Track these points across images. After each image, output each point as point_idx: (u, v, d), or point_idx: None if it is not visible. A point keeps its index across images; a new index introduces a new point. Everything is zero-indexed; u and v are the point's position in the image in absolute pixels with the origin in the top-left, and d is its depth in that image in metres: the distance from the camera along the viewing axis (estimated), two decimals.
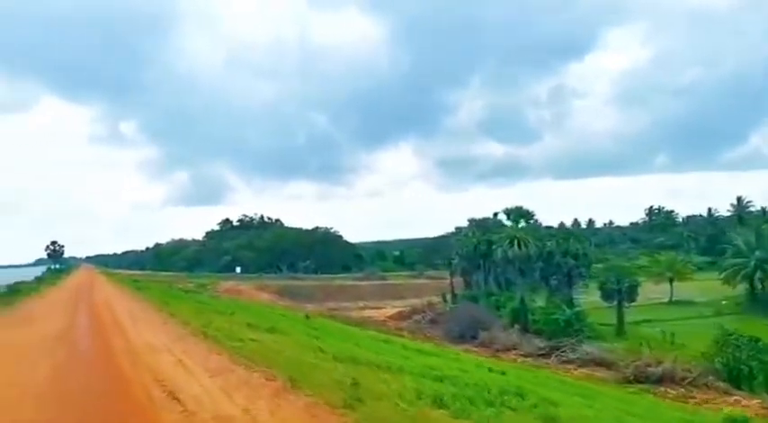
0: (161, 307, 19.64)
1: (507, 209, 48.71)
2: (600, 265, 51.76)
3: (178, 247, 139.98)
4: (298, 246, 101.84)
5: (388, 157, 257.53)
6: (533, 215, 48.94)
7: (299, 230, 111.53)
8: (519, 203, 48.73)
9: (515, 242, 45.62)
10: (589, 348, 31.17)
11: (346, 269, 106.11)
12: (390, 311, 59.85)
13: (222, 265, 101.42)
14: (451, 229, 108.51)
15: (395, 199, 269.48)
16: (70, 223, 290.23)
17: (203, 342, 10.05)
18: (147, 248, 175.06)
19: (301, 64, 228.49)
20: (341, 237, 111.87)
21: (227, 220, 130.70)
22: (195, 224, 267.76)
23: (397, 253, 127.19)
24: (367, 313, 58.46)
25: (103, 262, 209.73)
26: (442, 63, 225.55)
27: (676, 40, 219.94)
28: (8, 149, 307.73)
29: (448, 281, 79.19)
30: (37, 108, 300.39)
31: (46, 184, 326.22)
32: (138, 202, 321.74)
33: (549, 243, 46.25)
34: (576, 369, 28.93)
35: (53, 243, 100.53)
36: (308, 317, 34.73)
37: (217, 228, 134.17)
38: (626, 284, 47.24)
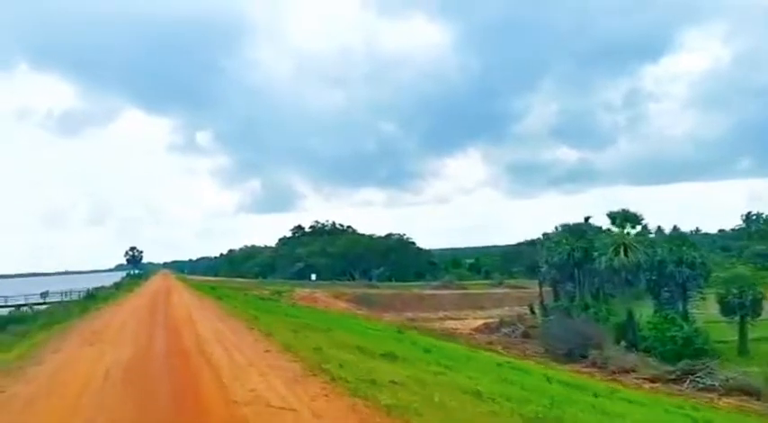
0: (250, 322, 16.96)
1: (612, 213, 43.93)
2: (722, 275, 46.11)
3: (251, 253, 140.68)
4: (371, 252, 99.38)
5: (457, 164, 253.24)
6: (641, 219, 43.99)
7: (372, 237, 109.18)
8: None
9: (621, 249, 40.93)
10: (730, 373, 26.48)
11: (420, 276, 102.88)
12: (475, 323, 56.03)
13: (295, 271, 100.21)
14: (527, 237, 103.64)
15: (463, 205, 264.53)
16: (149, 230, 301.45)
17: (332, 388, 6.99)
18: (221, 255, 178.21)
19: (369, 72, 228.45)
20: (414, 243, 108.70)
21: (299, 227, 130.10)
22: (266, 231, 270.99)
23: (470, 261, 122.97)
24: (449, 325, 54.91)
25: (179, 268, 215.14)
26: (511, 67, 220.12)
27: (758, 38, 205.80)
28: (93, 160, 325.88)
29: (530, 290, 75.12)
30: (120, 120, 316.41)
31: (127, 193, 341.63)
32: (212, 210, 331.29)
33: (659, 250, 41.28)
34: (718, 399, 24.42)
35: (132, 249, 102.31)
36: (400, 332, 31.84)
37: (289, 234, 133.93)
38: (749, 297, 41.66)
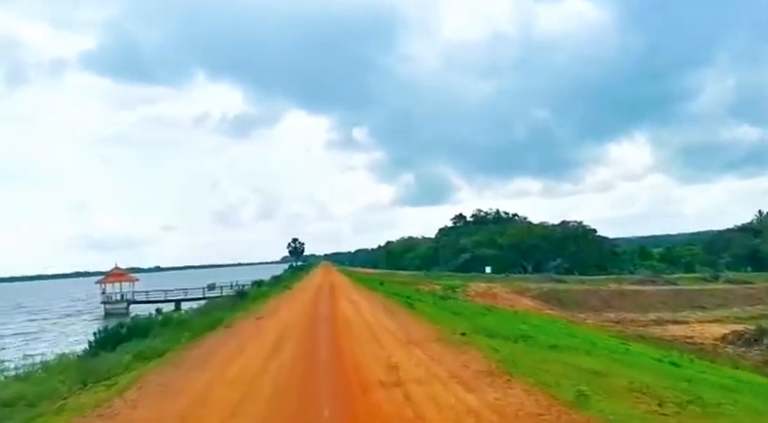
0: (462, 345, 9.98)
1: None
2: None
3: (409, 245, 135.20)
4: (546, 242, 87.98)
5: (620, 149, 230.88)
6: None
7: (545, 225, 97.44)
8: None
9: None
10: None
11: (601, 269, 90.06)
12: (706, 329, 43.31)
13: (460, 263, 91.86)
14: (711, 225, 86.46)
15: (629, 193, 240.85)
16: (310, 224, 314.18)
17: None
18: (379, 246, 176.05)
19: (522, 58, 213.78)
20: (595, 232, 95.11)
21: (460, 216, 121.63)
22: (422, 223, 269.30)
23: (659, 250, 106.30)
24: (675, 331, 42.80)
25: (338, 260, 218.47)
26: (679, 43, 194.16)
27: None
28: (261, 159, 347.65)
29: (757, 286, 63.00)
30: (284, 121, 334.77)
31: (291, 189, 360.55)
32: (369, 203, 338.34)
33: None
34: None
35: (294, 240, 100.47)
36: (624, 343, 22.32)
37: (449, 224, 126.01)
38: None
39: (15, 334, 42.03)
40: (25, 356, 17.45)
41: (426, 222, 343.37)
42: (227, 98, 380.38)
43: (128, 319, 29.49)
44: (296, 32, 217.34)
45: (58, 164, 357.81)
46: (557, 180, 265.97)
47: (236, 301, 25.72)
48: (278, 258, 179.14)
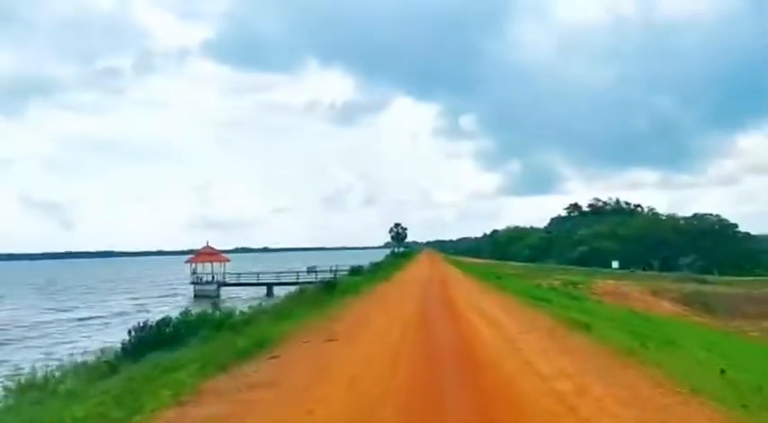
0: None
1: None
2: None
3: (517, 234, 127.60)
4: (678, 236, 78.25)
5: (750, 140, 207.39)
6: None
7: (674, 217, 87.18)
8: None
9: None
10: None
11: (738, 268, 79.04)
12: None
13: (575, 256, 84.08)
14: None
15: (758, 187, 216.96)
16: (414, 210, 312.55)
17: None
18: (484, 235, 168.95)
19: (644, 43, 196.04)
20: (735, 226, 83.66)
21: (575, 206, 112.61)
22: (527, 213, 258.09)
23: None
24: None
25: (440, 247, 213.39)
26: None
27: None
28: (367, 146, 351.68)
29: None
30: (391, 108, 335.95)
31: (396, 176, 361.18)
32: (473, 191, 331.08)
33: None
34: None
35: (396, 225, 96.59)
36: None
37: (563, 214, 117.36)
38: None
39: (97, 317, 40.36)
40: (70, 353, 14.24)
41: (533, 212, 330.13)
42: (337, 85, 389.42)
43: (215, 304, 26.43)
44: (406, 19, 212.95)
45: (182, 146, 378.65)
46: (675, 171, 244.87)
47: (321, 295, 21.42)
48: (381, 243, 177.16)
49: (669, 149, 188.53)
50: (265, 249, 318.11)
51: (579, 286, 48.43)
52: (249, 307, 21.01)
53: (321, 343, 11.20)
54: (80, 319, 39.15)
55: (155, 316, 18.53)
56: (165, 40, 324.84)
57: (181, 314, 16.70)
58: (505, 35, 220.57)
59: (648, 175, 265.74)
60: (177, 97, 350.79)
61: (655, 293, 48.92)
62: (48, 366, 12.42)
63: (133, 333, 15.19)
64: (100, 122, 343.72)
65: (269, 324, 15.45)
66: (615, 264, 69.39)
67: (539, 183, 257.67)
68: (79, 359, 14.00)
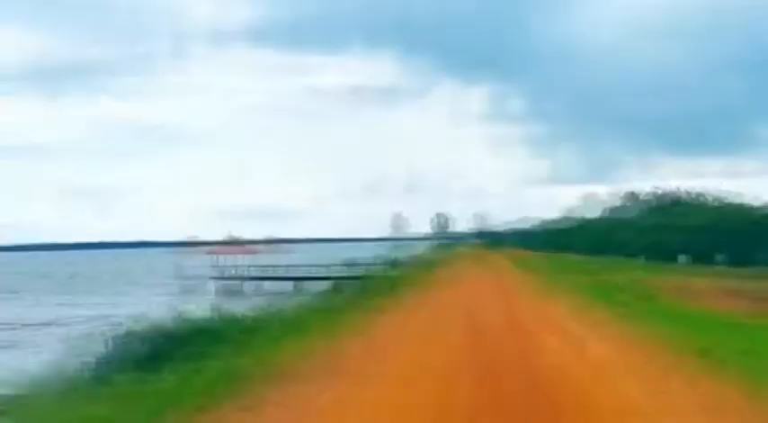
0: None
1: None
2: None
3: (571, 225, 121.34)
4: (754, 228, 71.41)
5: None
6: None
7: (748, 208, 79.91)
8: None
9: None
10: None
11: None
12: None
13: (637, 248, 78.30)
14: None
15: None
16: (459, 198, 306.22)
17: None
18: (533, 226, 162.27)
19: (710, 22, 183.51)
20: None
21: (632, 194, 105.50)
22: (581, 202, 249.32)
23: None
24: None
25: (487, 238, 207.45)
26: None
27: None
28: (411, 131, 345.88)
29: None
30: (437, 91, 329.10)
31: (440, 162, 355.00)
32: (523, 179, 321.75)
33: None
34: None
35: (438, 215, 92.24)
36: None
37: (618, 203, 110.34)
38: None
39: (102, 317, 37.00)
40: None
41: (587, 201, 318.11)
42: (380, 68, 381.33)
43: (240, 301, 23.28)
44: (453, 3, 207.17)
45: (221, 132, 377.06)
46: (742, 158, 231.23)
47: (348, 297, 17.79)
48: (424, 233, 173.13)
49: (735, 136, 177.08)
50: (305, 239, 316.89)
51: (643, 282, 43.57)
52: (260, 309, 17.48)
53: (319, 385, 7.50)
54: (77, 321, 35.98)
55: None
56: (204, 22, 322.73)
57: (173, 321, 13.69)
58: (558, 14, 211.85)
59: (713, 163, 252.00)
60: (216, 81, 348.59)
61: (729, 292, 43.57)
62: None
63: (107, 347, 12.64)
64: (138, 108, 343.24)
65: (269, 340, 12.00)
66: (682, 258, 63.52)
67: (594, 170, 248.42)
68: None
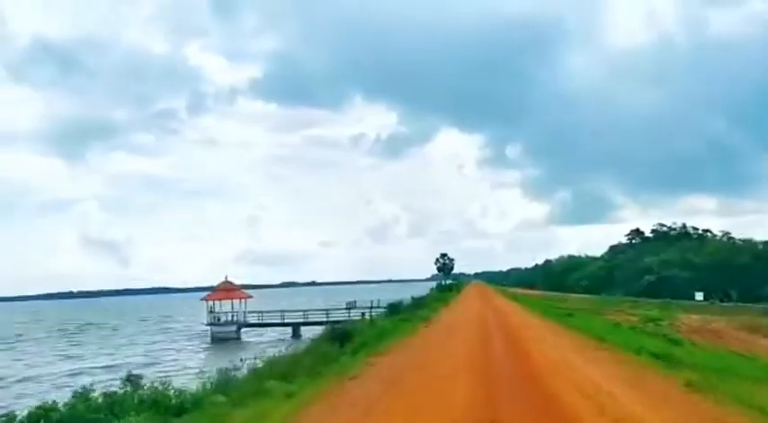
0: None
1: None
2: None
3: (572, 264, 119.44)
4: (758, 262, 69.81)
5: None
6: None
7: (753, 242, 78.37)
8: None
9: None
10: None
11: None
12: None
13: (642, 286, 76.11)
14: None
15: None
16: (461, 241, 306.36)
17: None
18: (536, 265, 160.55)
19: (694, 64, 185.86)
20: None
21: (637, 232, 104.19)
22: (579, 242, 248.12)
23: None
24: None
25: (490, 278, 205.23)
26: None
27: None
28: (412, 178, 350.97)
29: None
30: (436, 140, 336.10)
31: (442, 207, 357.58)
32: (522, 221, 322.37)
33: None
34: None
35: (443, 256, 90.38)
36: None
37: (624, 240, 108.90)
38: None
39: (82, 372, 34.16)
40: None
41: (585, 241, 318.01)
42: (381, 119, 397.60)
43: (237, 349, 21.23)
44: (450, 51, 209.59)
45: (233, 183, 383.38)
46: (735, 197, 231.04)
47: (329, 350, 15.70)
48: (428, 276, 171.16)
49: (727, 174, 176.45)
50: (312, 283, 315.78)
51: (661, 323, 41.42)
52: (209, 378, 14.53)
53: None
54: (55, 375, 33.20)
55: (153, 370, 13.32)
56: (216, 80, 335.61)
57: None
58: (552, 62, 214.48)
59: (706, 202, 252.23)
60: (228, 136, 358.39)
61: (751, 330, 41.49)
62: None
63: None
64: (155, 163, 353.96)
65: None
66: (699, 295, 61.41)
67: (590, 211, 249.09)
68: None
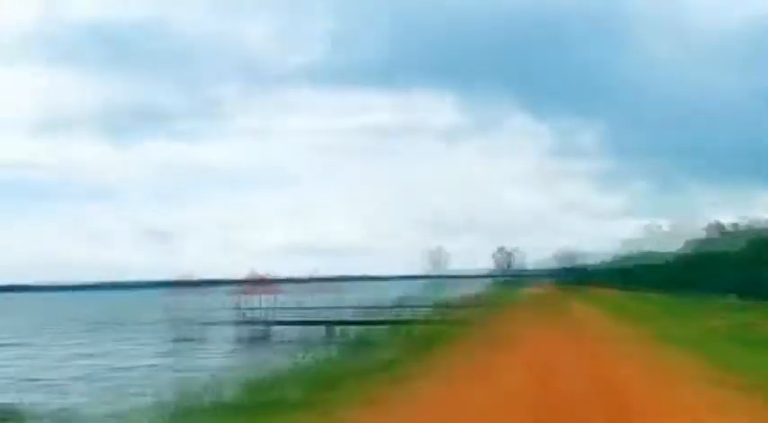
0: None
1: None
2: None
3: (648, 260, 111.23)
4: None
5: None
6: None
7: None
8: None
9: None
10: None
11: None
12: None
13: (728, 284, 68.31)
14: None
15: None
16: (526, 235, 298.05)
17: None
18: (603, 261, 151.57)
19: None
20: None
21: (719, 226, 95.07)
22: (653, 236, 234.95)
23: None
24: None
25: (555, 275, 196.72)
26: None
27: None
28: (475, 167, 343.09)
29: None
30: (502, 128, 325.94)
31: (508, 198, 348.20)
32: (591, 213, 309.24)
33: None
34: None
35: (500, 249, 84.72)
36: None
37: (702, 235, 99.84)
38: None
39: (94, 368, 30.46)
40: None
41: (659, 235, 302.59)
42: (443, 105, 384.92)
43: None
44: (519, 35, 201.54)
45: (284, 172, 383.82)
46: None
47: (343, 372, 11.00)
48: (488, 269, 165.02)
49: None
50: (365, 277, 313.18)
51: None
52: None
53: None
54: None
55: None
56: (268, 66, 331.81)
57: None
58: (628, 47, 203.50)
59: None
60: (279, 123, 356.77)
61: None
62: None
63: None
64: (205, 150, 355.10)
65: None
66: None
67: (666, 203, 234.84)
68: None
